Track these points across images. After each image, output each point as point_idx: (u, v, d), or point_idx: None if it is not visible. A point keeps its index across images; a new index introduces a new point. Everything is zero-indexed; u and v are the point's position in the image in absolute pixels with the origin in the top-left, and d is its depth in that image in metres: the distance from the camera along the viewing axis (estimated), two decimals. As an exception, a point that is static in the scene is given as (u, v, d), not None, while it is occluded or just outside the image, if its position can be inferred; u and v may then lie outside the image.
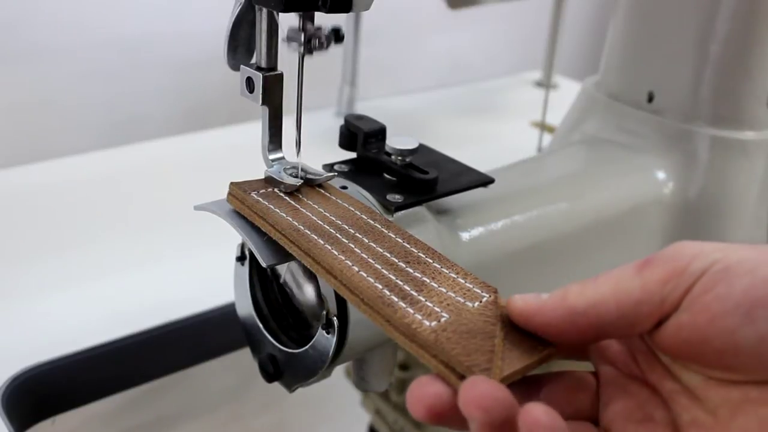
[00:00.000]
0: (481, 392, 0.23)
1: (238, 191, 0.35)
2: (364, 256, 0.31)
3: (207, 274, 0.59)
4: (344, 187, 0.38)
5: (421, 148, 0.41)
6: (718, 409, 0.25)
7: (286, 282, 0.39)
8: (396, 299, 0.28)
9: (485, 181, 0.41)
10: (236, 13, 0.35)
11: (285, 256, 0.33)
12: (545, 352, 0.27)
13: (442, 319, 0.27)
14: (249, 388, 0.80)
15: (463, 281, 0.30)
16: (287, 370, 0.38)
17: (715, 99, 0.50)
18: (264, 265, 0.33)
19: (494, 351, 0.26)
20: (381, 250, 0.32)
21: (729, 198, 0.50)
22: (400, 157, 0.39)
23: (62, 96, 0.90)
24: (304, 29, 0.33)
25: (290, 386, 0.38)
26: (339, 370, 0.44)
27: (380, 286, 0.29)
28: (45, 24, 0.85)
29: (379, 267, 0.31)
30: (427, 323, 0.27)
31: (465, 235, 0.41)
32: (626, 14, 0.54)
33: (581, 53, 1.39)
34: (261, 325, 0.39)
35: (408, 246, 0.32)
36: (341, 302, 0.34)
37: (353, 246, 0.32)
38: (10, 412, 0.48)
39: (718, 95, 0.50)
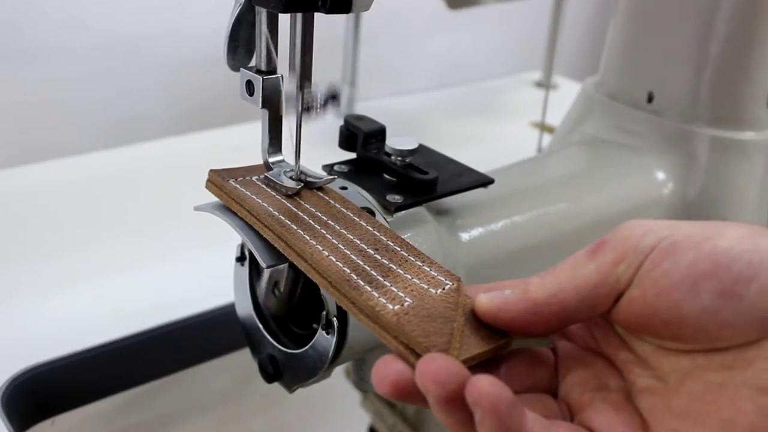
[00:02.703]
0: (437, 367, 0.24)
1: (217, 178, 0.36)
2: (334, 242, 0.32)
3: (207, 274, 0.59)
4: (344, 188, 0.38)
5: (421, 149, 0.41)
6: (669, 375, 0.27)
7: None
8: (362, 283, 0.30)
9: (485, 181, 0.41)
10: (236, 14, 0.35)
11: (284, 258, 0.33)
12: (502, 342, 0.28)
13: (405, 304, 0.28)
14: (248, 388, 0.80)
15: (428, 269, 0.31)
16: (287, 371, 0.38)
17: (714, 99, 0.50)
18: (264, 265, 0.33)
19: (453, 334, 0.27)
20: (351, 237, 0.33)
21: (729, 198, 0.50)
22: (399, 158, 0.39)
23: (61, 96, 0.90)
24: (301, 91, 0.34)
25: (290, 387, 0.38)
26: (339, 371, 0.44)
27: (348, 271, 0.30)
28: (45, 24, 0.85)
29: (349, 253, 0.32)
30: (391, 306, 0.28)
31: (465, 236, 0.41)
32: (626, 14, 0.54)
33: (581, 53, 1.39)
34: (261, 326, 0.39)
35: (378, 234, 0.34)
36: (341, 303, 0.34)
37: (325, 232, 0.33)
38: (10, 412, 0.48)
39: (718, 95, 0.50)
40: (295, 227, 0.33)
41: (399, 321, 0.27)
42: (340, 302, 0.30)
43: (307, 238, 0.32)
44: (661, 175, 0.51)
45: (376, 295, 0.29)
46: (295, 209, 0.35)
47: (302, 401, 0.84)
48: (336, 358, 0.35)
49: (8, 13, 0.82)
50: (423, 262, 0.32)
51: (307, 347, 0.36)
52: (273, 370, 0.38)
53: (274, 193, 0.36)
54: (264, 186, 0.37)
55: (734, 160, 0.50)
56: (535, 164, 0.54)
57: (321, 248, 0.32)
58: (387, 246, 0.33)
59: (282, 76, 0.35)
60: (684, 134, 0.51)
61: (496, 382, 0.23)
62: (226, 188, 0.36)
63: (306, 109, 0.35)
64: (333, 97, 0.35)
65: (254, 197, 0.35)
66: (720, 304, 0.24)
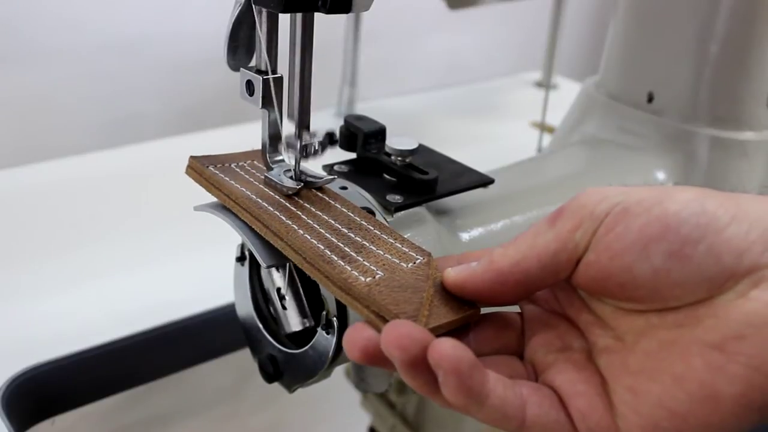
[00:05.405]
0: (400, 333, 0.24)
1: (197, 164, 0.38)
2: (309, 221, 0.34)
3: (207, 274, 0.59)
4: (344, 188, 0.38)
5: (421, 149, 0.41)
6: (626, 335, 0.28)
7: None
8: (336, 258, 0.31)
9: (485, 181, 0.41)
10: (236, 14, 0.35)
11: (284, 258, 0.33)
12: (470, 312, 0.29)
13: (377, 276, 0.30)
14: (246, 386, 0.80)
15: (400, 246, 0.32)
16: (287, 371, 0.38)
17: (714, 99, 0.50)
18: (263, 265, 0.33)
19: (422, 303, 0.28)
20: (326, 218, 0.34)
21: (729, 198, 0.50)
22: (399, 158, 0.40)
23: (60, 96, 0.90)
24: (300, 137, 0.35)
25: (290, 387, 0.38)
26: (339, 371, 0.44)
27: (322, 247, 0.32)
28: (44, 24, 0.85)
29: (323, 231, 0.33)
30: (363, 278, 0.29)
31: (465, 236, 0.41)
32: (626, 14, 0.54)
33: (581, 53, 1.39)
34: (261, 326, 0.39)
35: (352, 215, 0.35)
36: (341, 304, 0.34)
37: (300, 213, 0.34)
38: (10, 412, 0.48)
39: (718, 95, 0.50)
40: (272, 209, 0.34)
41: (370, 291, 0.28)
42: (314, 276, 0.31)
43: (283, 218, 0.33)
44: (661, 175, 0.51)
45: (349, 268, 0.30)
46: (271, 193, 0.36)
47: (302, 401, 0.84)
48: (336, 358, 0.35)
49: (7, 13, 0.82)
50: (395, 239, 0.33)
51: (307, 347, 0.36)
52: (273, 370, 0.38)
53: (252, 179, 0.37)
54: (242, 172, 0.38)
55: (734, 160, 0.50)
56: (535, 164, 0.54)
57: (296, 227, 0.33)
58: (360, 225, 0.34)
59: (282, 75, 0.35)
60: (684, 134, 0.51)
61: (457, 344, 0.24)
62: (205, 174, 0.37)
63: (305, 154, 0.36)
64: (331, 141, 0.37)
65: (232, 182, 0.36)
66: (670, 265, 0.25)
